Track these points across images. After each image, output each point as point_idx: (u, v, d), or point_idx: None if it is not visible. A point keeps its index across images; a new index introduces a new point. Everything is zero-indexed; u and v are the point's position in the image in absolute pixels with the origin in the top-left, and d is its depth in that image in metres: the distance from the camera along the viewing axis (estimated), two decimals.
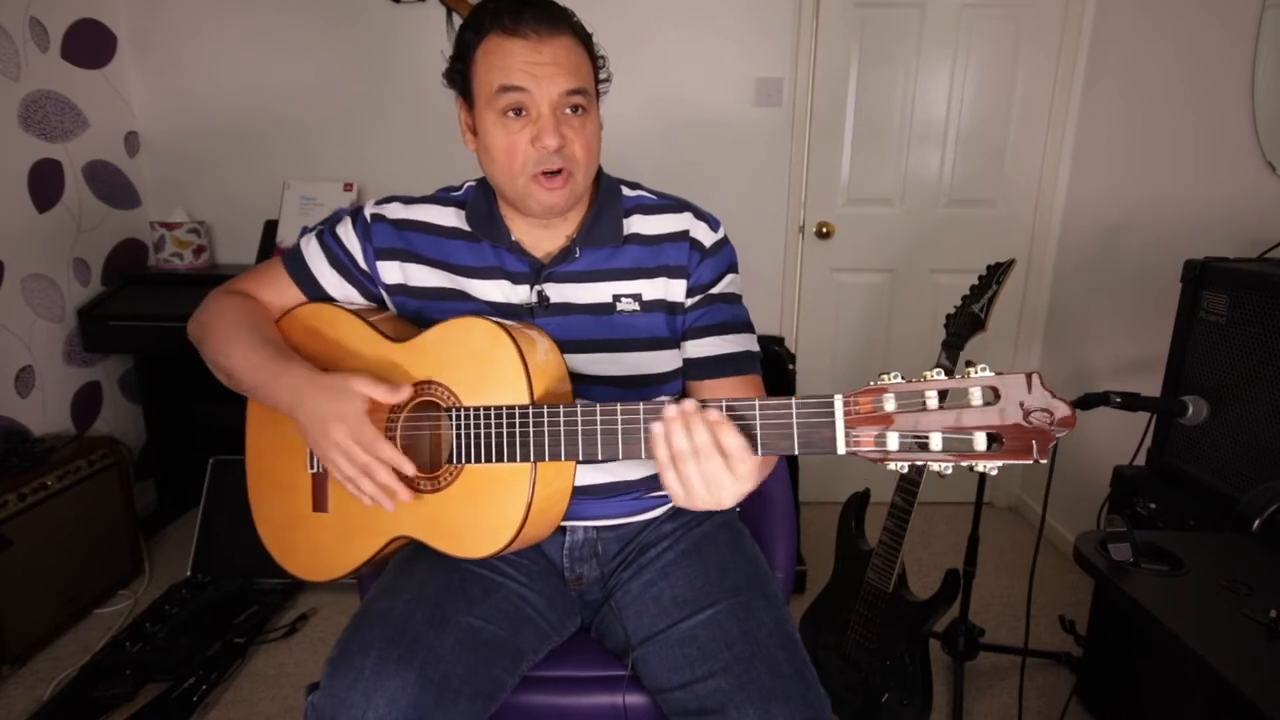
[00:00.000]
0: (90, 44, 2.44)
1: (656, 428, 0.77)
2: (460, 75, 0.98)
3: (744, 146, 2.63)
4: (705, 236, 1.06)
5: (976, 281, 1.51)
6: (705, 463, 0.76)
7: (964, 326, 1.49)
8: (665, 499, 1.12)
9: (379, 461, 0.89)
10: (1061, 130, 2.55)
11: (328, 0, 2.53)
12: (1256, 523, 1.00)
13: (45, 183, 2.28)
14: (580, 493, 1.01)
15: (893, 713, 1.57)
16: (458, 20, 2.52)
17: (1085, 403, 1.48)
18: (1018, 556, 2.45)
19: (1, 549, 1.81)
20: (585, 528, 1.09)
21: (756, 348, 1.08)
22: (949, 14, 2.51)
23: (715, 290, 1.06)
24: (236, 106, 2.62)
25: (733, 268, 1.09)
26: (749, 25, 2.54)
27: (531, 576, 1.06)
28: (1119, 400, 1.45)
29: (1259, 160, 1.80)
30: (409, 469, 0.90)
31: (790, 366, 2.14)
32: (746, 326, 1.09)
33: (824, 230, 2.68)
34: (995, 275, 1.49)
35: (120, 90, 2.56)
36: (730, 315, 1.07)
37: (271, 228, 2.54)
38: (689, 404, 0.76)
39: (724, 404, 0.77)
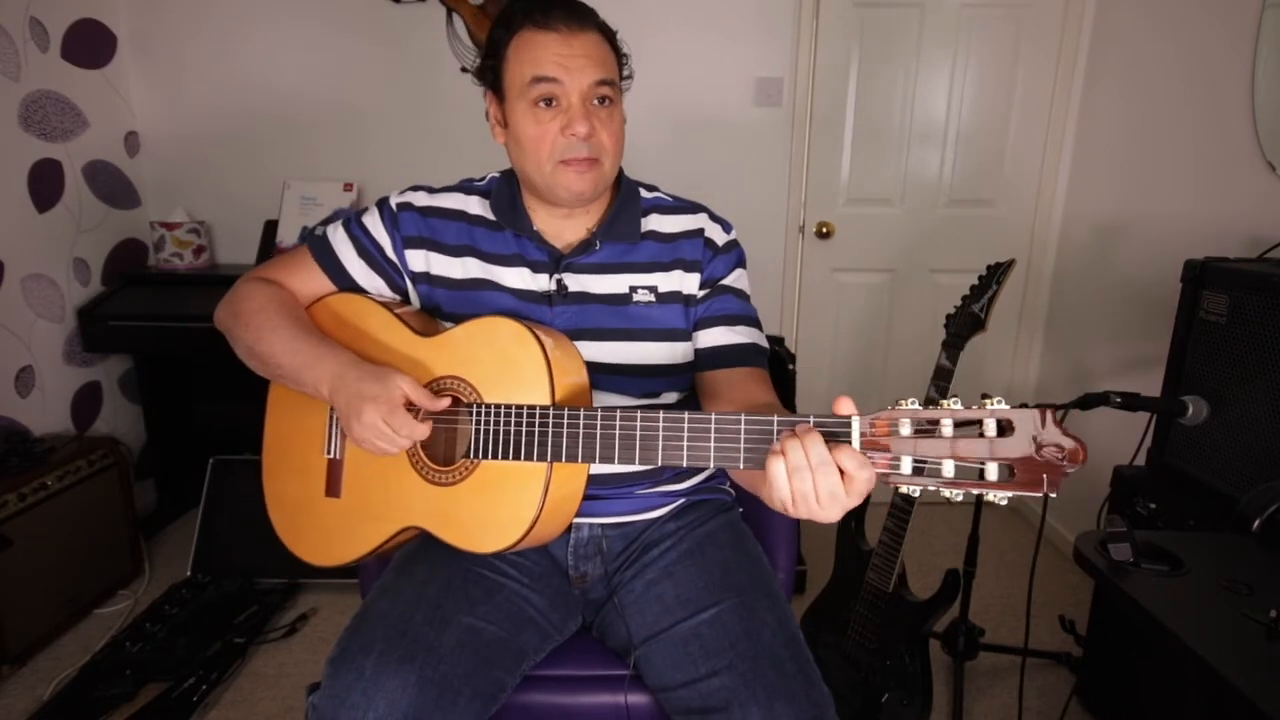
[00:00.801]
0: (90, 44, 2.44)
1: (775, 445, 0.75)
2: (492, 71, 1.02)
3: (744, 146, 2.64)
4: (719, 236, 1.11)
5: (976, 281, 1.51)
6: (821, 478, 0.72)
7: (964, 326, 1.49)
8: (670, 498, 1.13)
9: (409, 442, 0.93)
10: (1061, 130, 2.55)
11: (328, 1, 2.54)
12: (1256, 523, 1.00)
13: (45, 183, 2.28)
14: (587, 493, 1.01)
15: (893, 713, 1.57)
16: (458, 20, 2.52)
17: (1085, 403, 1.48)
18: (1018, 556, 2.45)
19: (1, 549, 1.81)
20: (590, 525, 1.10)
21: (765, 344, 1.10)
22: (949, 14, 2.51)
23: (725, 281, 1.10)
24: (237, 107, 2.62)
25: (742, 264, 1.13)
26: (749, 25, 2.54)
27: (534, 577, 1.07)
28: (1119, 400, 1.45)
29: (1259, 160, 1.80)
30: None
31: (790, 366, 2.14)
32: (754, 321, 1.11)
33: (824, 230, 2.68)
34: (995, 275, 1.49)
35: (120, 90, 2.56)
36: (739, 308, 1.10)
37: (271, 228, 2.54)
38: (803, 426, 0.74)
39: (743, 417, 0.78)
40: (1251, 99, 1.82)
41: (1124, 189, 2.30)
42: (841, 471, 0.71)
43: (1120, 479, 1.65)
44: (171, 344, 2.33)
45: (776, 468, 0.72)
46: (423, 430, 0.92)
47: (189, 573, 2.19)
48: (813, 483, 0.71)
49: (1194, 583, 0.97)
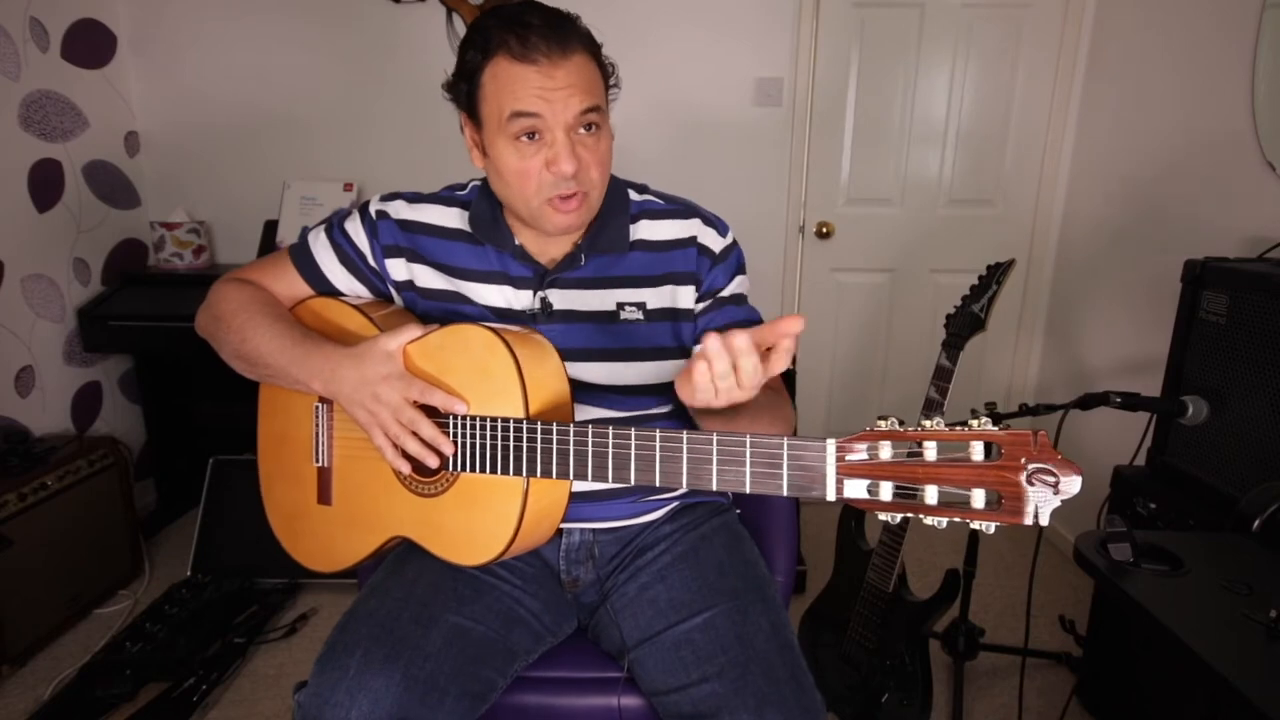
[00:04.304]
0: (90, 44, 2.44)
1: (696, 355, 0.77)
2: (466, 96, 0.96)
3: (744, 146, 2.63)
4: (714, 242, 1.05)
5: (976, 281, 1.51)
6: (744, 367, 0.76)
7: (964, 326, 1.49)
8: (663, 502, 1.12)
9: (422, 416, 0.90)
10: (1061, 130, 2.55)
11: (328, 1, 2.54)
12: (1256, 523, 1.00)
13: (45, 183, 2.28)
14: (577, 497, 1.00)
15: (893, 713, 1.57)
16: (458, 20, 2.52)
17: (1085, 403, 1.48)
18: (1018, 556, 2.44)
19: (1, 549, 1.81)
20: (582, 530, 1.09)
21: None
22: (949, 14, 2.51)
23: (726, 293, 1.06)
24: (236, 106, 2.62)
25: (742, 269, 1.09)
26: (749, 25, 2.54)
27: (526, 579, 1.06)
28: (1119, 400, 1.45)
29: (1259, 160, 1.80)
30: (461, 408, 0.90)
31: (790, 366, 2.14)
32: (755, 324, 1.08)
33: (824, 230, 2.68)
34: (995, 275, 1.49)
35: (120, 90, 2.56)
36: (742, 316, 1.07)
37: (271, 228, 2.54)
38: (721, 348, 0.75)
39: (715, 436, 0.76)
40: (1251, 99, 1.82)
41: (1124, 188, 2.30)
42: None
43: (1120, 479, 1.65)
44: (171, 344, 2.33)
45: (701, 374, 0.76)
46: (441, 396, 0.90)
47: (189, 573, 2.19)
48: (735, 376, 0.75)
49: (1194, 583, 0.97)
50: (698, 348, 0.80)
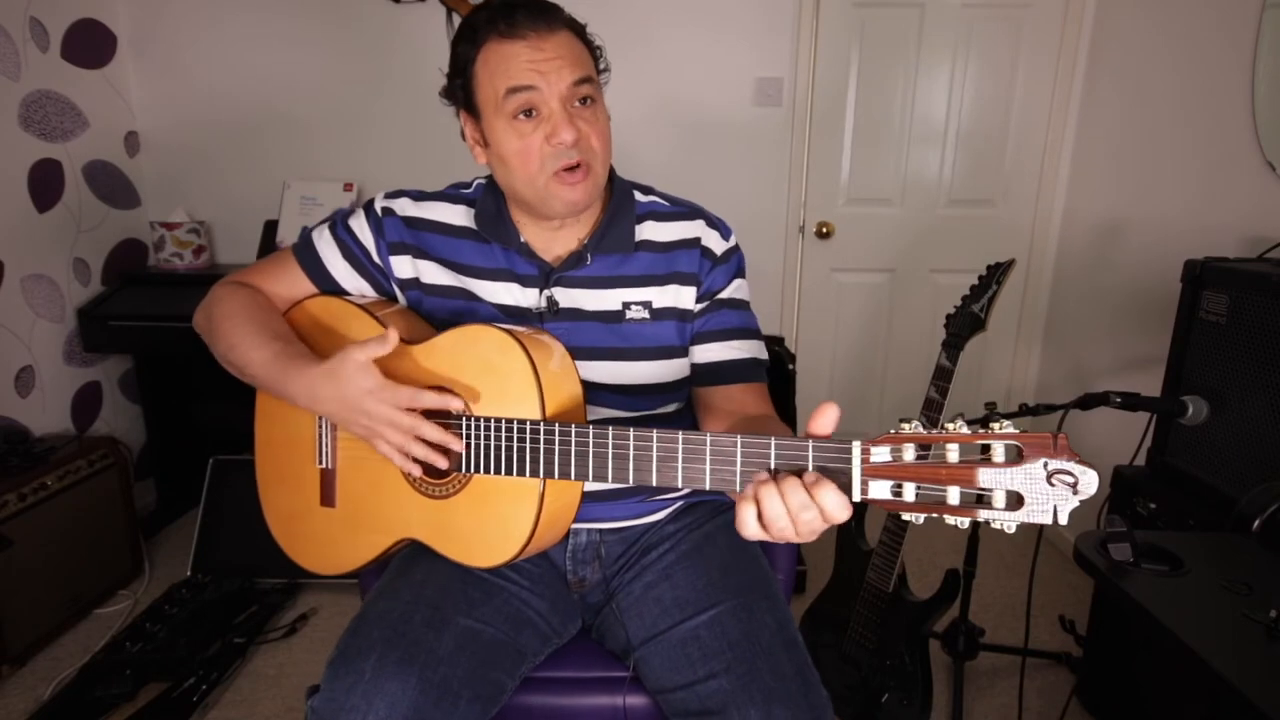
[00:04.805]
0: (90, 44, 2.44)
1: (747, 490, 0.73)
2: (462, 90, 0.97)
3: (744, 146, 2.64)
4: (716, 244, 1.06)
5: (976, 281, 1.51)
6: (802, 523, 0.70)
7: (964, 326, 1.49)
8: (667, 502, 1.12)
9: (421, 419, 0.88)
10: (1061, 130, 2.55)
11: (328, 0, 2.54)
12: (1256, 523, 1.00)
13: (45, 183, 2.28)
14: (584, 497, 1.00)
15: (893, 713, 1.57)
16: (458, 20, 2.51)
17: (1085, 403, 1.48)
18: (1018, 556, 2.44)
19: (1, 549, 1.81)
20: (589, 530, 1.09)
21: (764, 355, 1.08)
22: (949, 14, 2.51)
23: (723, 295, 1.06)
24: (236, 106, 2.62)
25: (741, 273, 1.09)
26: (749, 25, 2.54)
27: (533, 580, 1.06)
28: (1119, 400, 1.45)
29: (1259, 160, 1.80)
30: (457, 404, 0.88)
31: (790, 366, 2.14)
32: (754, 334, 1.08)
33: (824, 230, 2.68)
34: (995, 275, 1.49)
35: (120, 90, 2.56)
36: (738, 321, 1.07)
37: (271, 228, 2.55)
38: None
39: (739, 440, 0.74)
40: (1251, 99, 1.82)
41: (1124, 189, 2.30)
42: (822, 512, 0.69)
43: (1120, 479, 1.65)
44: (171, 344, 2.33)
45: (747, 514, 0.72)
46: (431, 396, 0.87)
47: (189, 573, 2.19)
48: (791, 525, 0.70)
49: (1194, 583, 0.97)
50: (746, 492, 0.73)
